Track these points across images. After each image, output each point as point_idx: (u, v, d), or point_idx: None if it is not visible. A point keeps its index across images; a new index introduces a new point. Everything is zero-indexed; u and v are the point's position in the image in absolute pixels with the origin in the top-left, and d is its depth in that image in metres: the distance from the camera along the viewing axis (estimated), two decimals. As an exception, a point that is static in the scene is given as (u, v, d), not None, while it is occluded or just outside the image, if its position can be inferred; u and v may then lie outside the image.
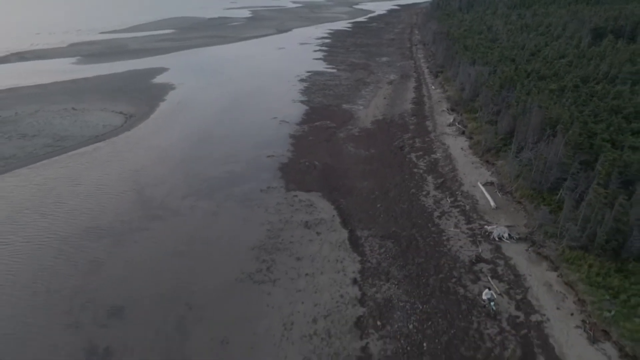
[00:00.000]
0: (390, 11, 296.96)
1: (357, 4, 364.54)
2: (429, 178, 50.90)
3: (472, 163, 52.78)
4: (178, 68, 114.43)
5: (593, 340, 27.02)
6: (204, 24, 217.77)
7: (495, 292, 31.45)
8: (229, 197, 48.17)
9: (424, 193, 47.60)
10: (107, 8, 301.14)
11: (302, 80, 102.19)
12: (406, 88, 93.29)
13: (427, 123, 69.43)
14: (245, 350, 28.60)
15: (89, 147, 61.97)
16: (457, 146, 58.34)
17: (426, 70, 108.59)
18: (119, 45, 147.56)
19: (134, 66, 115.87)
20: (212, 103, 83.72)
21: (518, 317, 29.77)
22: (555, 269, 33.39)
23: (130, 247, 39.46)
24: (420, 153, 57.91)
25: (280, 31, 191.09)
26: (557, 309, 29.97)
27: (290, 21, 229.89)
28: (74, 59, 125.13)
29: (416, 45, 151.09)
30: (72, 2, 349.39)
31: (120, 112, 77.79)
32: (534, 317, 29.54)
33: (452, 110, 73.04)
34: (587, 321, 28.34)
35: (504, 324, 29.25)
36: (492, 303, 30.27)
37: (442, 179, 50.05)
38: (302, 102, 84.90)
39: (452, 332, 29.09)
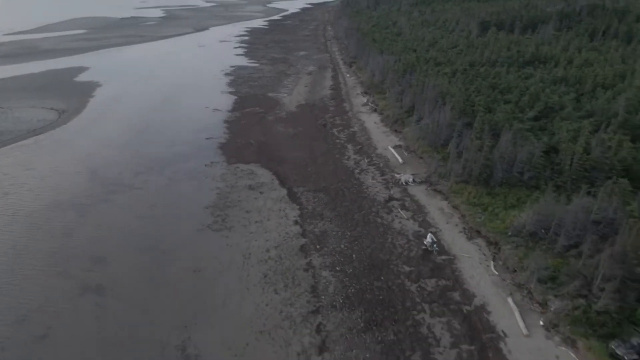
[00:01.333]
0: (303, 9, 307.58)
1: (270, 2, 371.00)
2: (349, 146, 60.72)
3: (384, 132, 63.61)
4: (100, 66, 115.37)
5: (469, 238, 37.86)
6: (117, 23, 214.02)
7: (434, 237, 37.88)
8: (178, 172, 54.45)
9: (346, 157, 57.24)
10: (4, 9, 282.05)
11: (227, 74, 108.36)
12: (324, 77, 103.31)
13: (345, 104, 79.71)
14: (215, 274, 35.96)
15: (29, 140, 64.56)
16: (371, 121, 69.02)
17: (341, 61, 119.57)
18: (31, 46, 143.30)
19: (52, 66, 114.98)
20: (144, 97, 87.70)
21: (420, 231, 40.02)
22: (446, 198, 44.32)
23: (97, 215, 44.80)
24: (341, 128, 67.80)
25: (198, 30, 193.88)
26: (447, 223, 40.69)
27: (206, 20, 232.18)
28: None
29: (330, 40, 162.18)
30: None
31: (52, 108, 79.58)
32: (431, 230, 39.91)
33: (366, 93, 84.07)
34: (466, 227, 39.19)
35: (410, 237, 39.31)
36: (434, 245, 37.46)
37: (360, 146, 60.09)
38: (230, 92, 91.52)
39: (374, 246, 38.60)
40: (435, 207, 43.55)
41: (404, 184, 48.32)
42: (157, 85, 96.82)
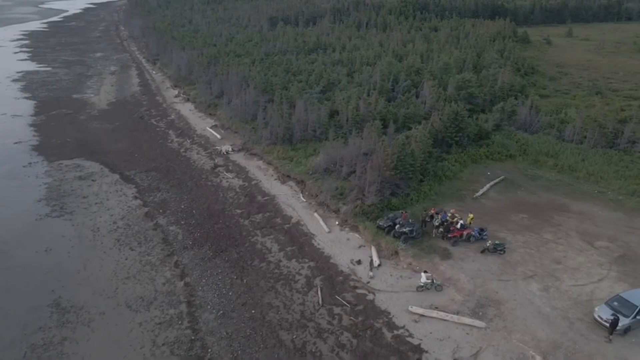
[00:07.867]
0: (87, 10, 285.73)
1: (43, 3, 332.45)
2: (170, 132, 66.61)
3: (200, 117, 71.09)
4: None
5: (283, 182, 48.88)
6: None
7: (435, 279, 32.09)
8: (-7, 176, 53.15)
9: (169, 141, 63.21)
10: None
11: (15, 80, 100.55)
12: (129, 75, 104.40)
13: (157, 98, 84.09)
14: (68, 248, 39.36)
15: None
16: (186, 109, 75.60)
17: (143, 60, 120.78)
18: None
19: None
20: None
21: (245, 185, 49.43)
22: (261, 158, 54.69)
23: None
24: (158, 118, 72.81)
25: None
26: (264, 175, 51.06)
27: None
28: None
29: (127, 40, 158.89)
30: None
31: None
32: (253, 182, 49.81)
33: (176, 86, 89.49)
34: (280, 175, 50.13)
35: (237, 190, 48.43)
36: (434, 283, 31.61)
37: (180, 131, 66.49)
38: (26, 98, 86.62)
39: (209, 201, 46.56)
40: (254, 166, 53.47)
41: (225, 153, 56.98)
42: None
